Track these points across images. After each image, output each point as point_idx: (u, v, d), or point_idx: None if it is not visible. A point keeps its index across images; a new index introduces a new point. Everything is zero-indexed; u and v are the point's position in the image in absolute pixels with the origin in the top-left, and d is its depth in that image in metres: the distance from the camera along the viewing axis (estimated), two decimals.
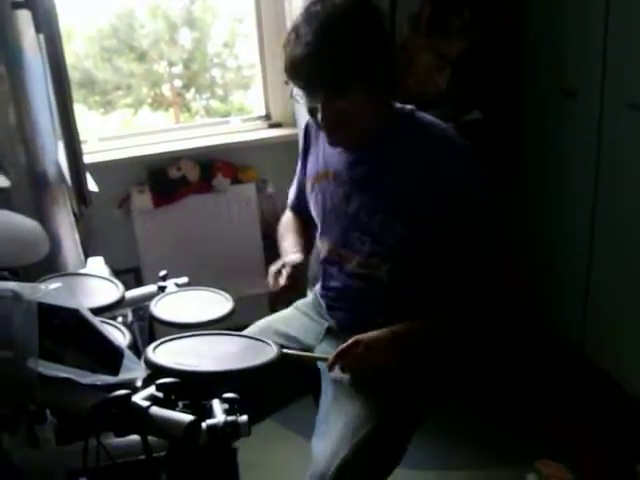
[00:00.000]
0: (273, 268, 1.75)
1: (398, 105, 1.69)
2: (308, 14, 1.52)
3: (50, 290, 1.04)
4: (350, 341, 1.58)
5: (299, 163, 1.99)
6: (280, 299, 1.76)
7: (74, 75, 3.56)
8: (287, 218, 2.06)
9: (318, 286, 1.97)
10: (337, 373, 1.62)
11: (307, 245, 1.92)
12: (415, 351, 1.65)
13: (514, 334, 2.84)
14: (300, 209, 2.01)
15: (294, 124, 3.11)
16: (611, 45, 2.50)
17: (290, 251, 1.84)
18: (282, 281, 1.69)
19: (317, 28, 1.49)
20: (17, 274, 1.62)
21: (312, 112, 1.63)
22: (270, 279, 1.74)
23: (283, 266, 1.72)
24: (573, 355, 2.96)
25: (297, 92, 1.58)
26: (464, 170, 1.59)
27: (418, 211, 1.60)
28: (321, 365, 1.72)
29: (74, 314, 1.10)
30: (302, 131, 1.94)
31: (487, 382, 2.92)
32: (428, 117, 1.67)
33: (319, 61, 1.49)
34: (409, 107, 1.69)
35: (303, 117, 2.83)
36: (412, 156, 1.61)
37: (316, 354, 1.75)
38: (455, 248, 1.63)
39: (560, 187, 2.96)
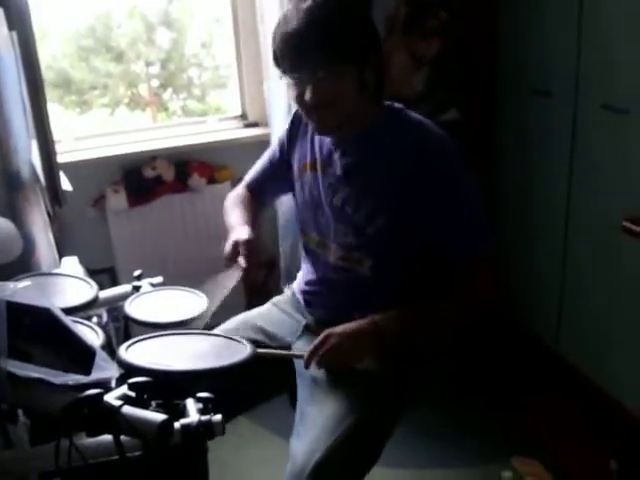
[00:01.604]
0: (227, 248, 1.74)
1: (387, 102, 1.71)
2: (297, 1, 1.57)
3: (19, 288, 1.03)
4: (322, 335, 1.58)
5: (274, 147, 1.98)
6: (250, 279, 1.75)
7: (50, 74, 3.54)
8: (237, 193, 2.05)
9: (296, 282, 1.97)
10: (314, 370, 1.62)
11: (255, 220, 1.91)
12: (395, 346, 1.64)
13: (490, 330, 2.85)
14: (256, 190, 2.03)
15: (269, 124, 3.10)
16: (585, 45, 2.53)
17: (238, 225, 1.84)
18: (242, 263, 1.69)
19: (311, 6, 1.53)
20: None
21: (300, 97, 1.62)
22: (225, 259, 1.73)
23: (236, 246, 1.72)
24: (548, 352, 2.98)
25: (286, 75, 1.61)
26: (449, 169, 1.61)
27: (401, 206, 1.61)
28: (297, 363, 1.71)
29: (45, 313, 1.09)
30: (289, 120, 1.92)
31: (463, 378, 2.94)
32: (416, 115, 1.69)
33: (317, 32, 1.52)
34: (398, 105, 1.71)
35: (276, 117, 2.84)
36: (397, 151, 1.62)
37: (291, 352, 1.74)
38: (435, 246, 1.63)
39: (536, 186, 2.98)
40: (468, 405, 2.83)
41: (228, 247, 1.75)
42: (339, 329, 1.58)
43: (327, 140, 1.75)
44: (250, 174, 2.08)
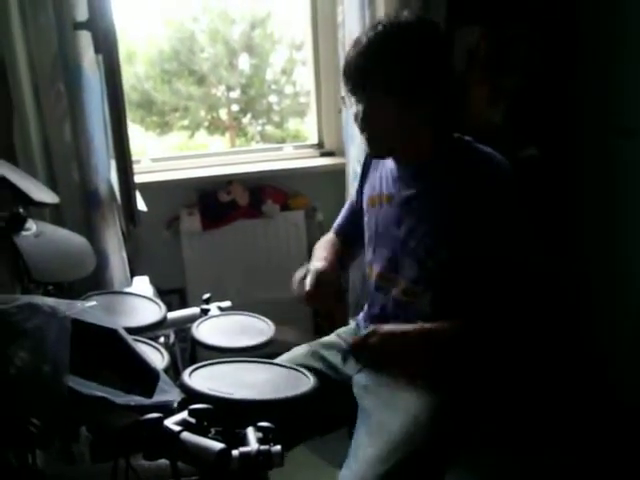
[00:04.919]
0: (297, 275, 1.79)
1: (456, 135, 1.71)
2: (372, 26, 1.65)
3: (86, 307, 1.04)
4: (367, 331, 1.60)
5: (354, 188, 2.02)
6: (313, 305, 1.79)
7: (134, 96, 3.63)
8: (326, 237, 2.07)
9: (361, 315, 1.96)
10: (368, 403, 1.63)
11: (338, 261, 1.91)
12: (444, 359, 1.65)
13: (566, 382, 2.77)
14: (345, 233, 2.04)
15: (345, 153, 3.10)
16: None
17: (317, 260, 1.87)
18: (306, 287, 1.71)
19: (372, 36, 1.61)
20: (62, 289, 1.64)
21: (355, 117, 1.69)
22: (294, 285, 1.78)
23: (306, 273, 1.75)
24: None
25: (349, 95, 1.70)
26: (510, 205, 1.61)
27: (462, 239, 1.61)
28: (359, 397, 1.69)
29: (112, 334, 1.10)
30: (363, 158, 1.97)
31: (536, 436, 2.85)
32: (485, 149, 1.67)
33: (357, 57, 1.62)
34: (467, 138, 1.70)
35: (352, 147, 2.84)
36: (462, 184, 1.61)
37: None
38: (488, 278, 1.62)
39: (619, 225, 2.89)
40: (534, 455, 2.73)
41: (299, 274, 1.79)
42: (386, 327, 1.60)
43: (393, 173, 1.77)
44: (337, 219, 2.11)
